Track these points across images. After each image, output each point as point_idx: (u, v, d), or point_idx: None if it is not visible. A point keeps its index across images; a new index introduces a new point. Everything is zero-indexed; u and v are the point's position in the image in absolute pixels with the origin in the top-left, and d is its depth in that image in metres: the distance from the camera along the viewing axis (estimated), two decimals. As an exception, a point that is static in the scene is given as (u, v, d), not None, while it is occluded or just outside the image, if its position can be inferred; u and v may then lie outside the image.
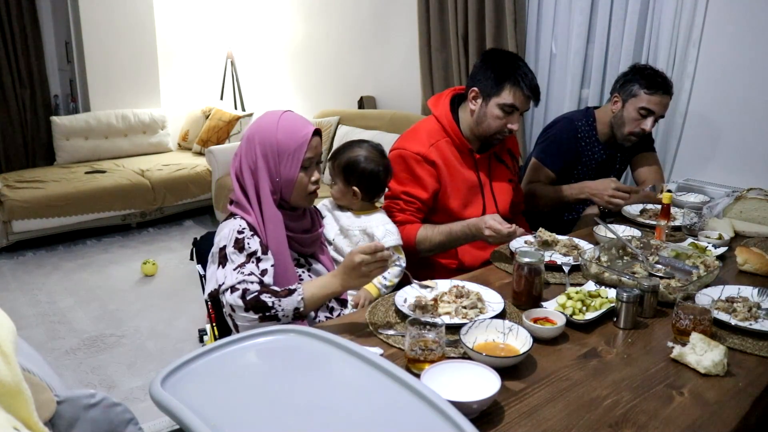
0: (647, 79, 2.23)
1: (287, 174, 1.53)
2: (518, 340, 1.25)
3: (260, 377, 0.99)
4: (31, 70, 4.75)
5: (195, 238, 1.73)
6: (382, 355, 1.24)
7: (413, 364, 1.18)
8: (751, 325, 1.37)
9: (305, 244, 1.64)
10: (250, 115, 4.98)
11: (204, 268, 1.65)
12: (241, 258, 1.46)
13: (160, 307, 3.28)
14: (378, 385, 0.94)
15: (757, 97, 2.51)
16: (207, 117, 5.21)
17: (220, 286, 1.43)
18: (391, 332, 1.35)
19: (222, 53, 5.30)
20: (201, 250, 1.70)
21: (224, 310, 1.43)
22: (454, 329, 1.30)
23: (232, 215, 1.57)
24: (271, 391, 0.94)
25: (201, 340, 2.82)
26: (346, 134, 3.95)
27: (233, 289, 1.40)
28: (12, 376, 0.62)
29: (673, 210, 2.17)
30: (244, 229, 1.51)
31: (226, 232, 1.50)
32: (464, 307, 1.42)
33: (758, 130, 2.53)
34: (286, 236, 1.56)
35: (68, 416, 0.74)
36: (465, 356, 1.22)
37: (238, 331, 1.41)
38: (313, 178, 1.58)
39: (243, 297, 1.38)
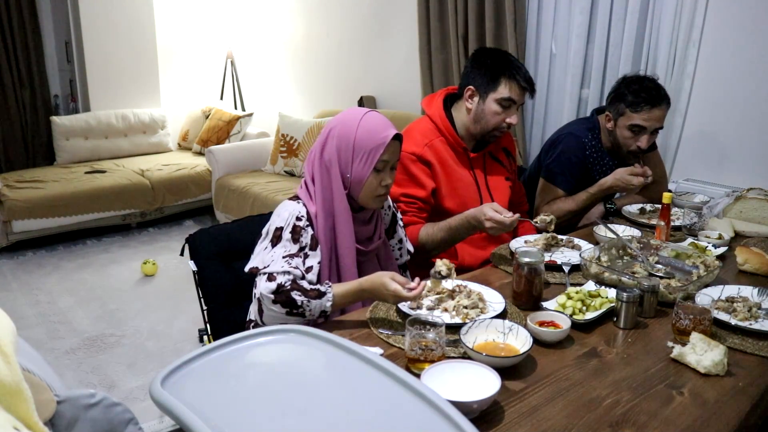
0: (633, 95, 2.12)
1: (358, 172, 1.51)
2: (518, 340, 1.25)
3: (260, 377, 0.99)
4: (31, 70, 4.75)
5: (189, 235, 1.72)
6: (382, 355, 1.24)
7: (413, 364, 1.18)
8: (751, 325, 1.38)
9: (361, 253, 1.59)
10: (250, 114, 4.97)
11: (197, 264, 1.66)
12: (293, 248, 1.47)
13: (160, 307, 3.28)
14: (378, 385, 0.94)
15: (757, 97, 2.51)
16: (207, 117, 5.21)
17: (265, 267, 1.44)
18: (391, 332, 1.36)
19: (222, 53, 5.30)
20: (194, 247, 1.69)
21: (255, 290, 1.45)
22: (454, 329, 1.30)
23: (296, 197, 1.57)
24: (271, 391, 0.94)
25: (201, 340, 2.82)
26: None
27: (271, 277, 1.41)
28: (12, 376, 0.62)
29: (673, 210, 2.16)
30: (302, 217, 1.50)
31: (285, 215, 1.50)
32: (465, 307, 1.42)
33: (758, 130, 2.53)
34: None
35: (68, 416, 0.74)
36: (465, 356, 1.22)
37: (262, 314, 1.44)
38: (384, 182, 1.54)
39: (276, 291, 1.40)
